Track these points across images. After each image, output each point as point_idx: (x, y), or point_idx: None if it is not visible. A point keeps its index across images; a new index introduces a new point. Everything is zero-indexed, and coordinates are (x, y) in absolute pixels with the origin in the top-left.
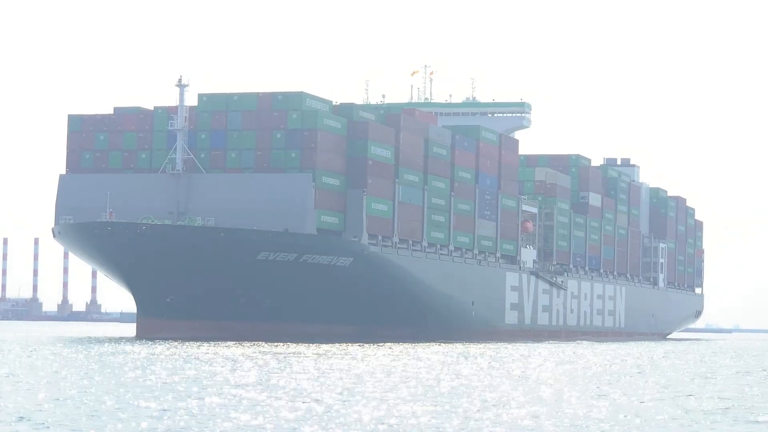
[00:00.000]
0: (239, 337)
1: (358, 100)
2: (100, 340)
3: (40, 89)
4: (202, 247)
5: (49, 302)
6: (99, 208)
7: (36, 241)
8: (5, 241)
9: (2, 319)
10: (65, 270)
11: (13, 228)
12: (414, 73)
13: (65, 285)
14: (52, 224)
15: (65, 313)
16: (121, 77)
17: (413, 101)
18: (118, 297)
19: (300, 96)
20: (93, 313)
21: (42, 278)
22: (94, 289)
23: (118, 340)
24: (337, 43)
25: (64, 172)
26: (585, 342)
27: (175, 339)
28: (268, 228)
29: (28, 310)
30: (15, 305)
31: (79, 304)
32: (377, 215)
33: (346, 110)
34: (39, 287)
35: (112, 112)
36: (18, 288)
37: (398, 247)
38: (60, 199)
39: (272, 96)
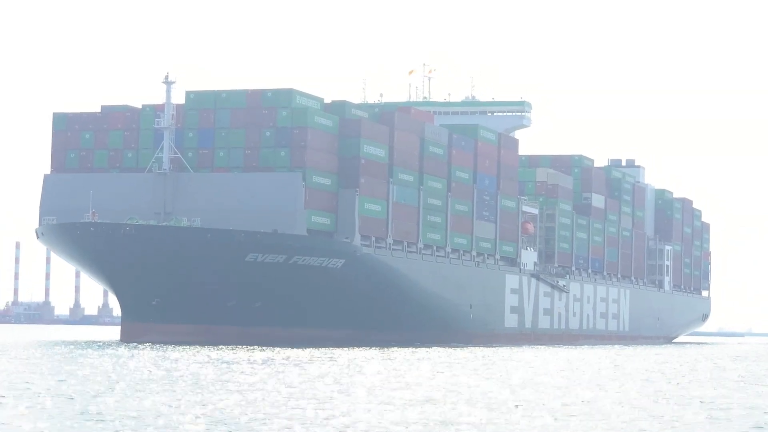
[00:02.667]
0: (228, 341)
1: (356, 100)
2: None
3: (29, 88)
4: (188, 249)
5: (62, 306)
6: (83, 208)
7: None
8: (17, 244)
9: (15, 322)
10: (77, 273)
11: (26, 231)
12: (411, 72)
13: (77, 289)
14: (36, 225)
15: (77, 317)
16: (110, 75)
17: (411, 100)
18: None
19: (290, 93)
20: (105, 316)
21: (54, 282)
22: (106, 293)
23: (96, 344)
24: (333, 42)
25: (49, 171)
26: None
27: (161, 343)
28: (257, 229)
29: (40, 314)
30: (27, 309)
31: (91, 307)
32: (370, 216)
33: (338, 108)
34: (51, 291)
35: (99, 111)
36: (30, 292)
37: (392, 249)
38: (44, 199)
39: (261, 93)
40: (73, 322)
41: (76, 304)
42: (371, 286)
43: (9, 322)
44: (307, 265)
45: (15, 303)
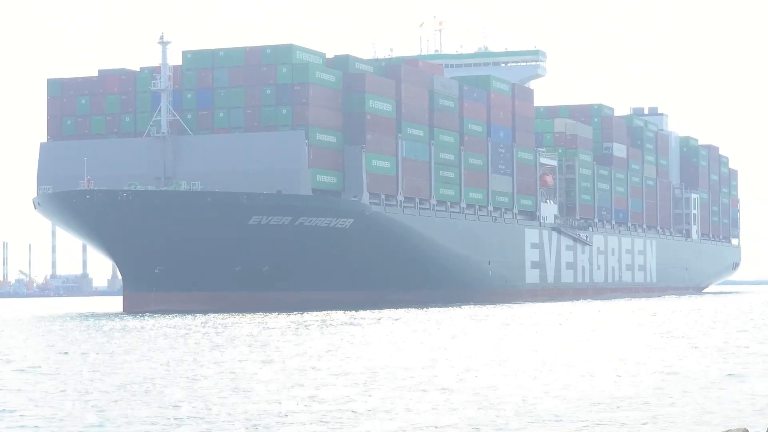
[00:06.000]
0: (236, 308)
1: (365, 55)
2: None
3: (22, 54)
4: (189, 213)
5: (100, 278)
6: (80, 176)
7: None
8: None
9: (54, 295)
10: None
11: None
12: (421, 24)
13: None
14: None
15: (116, 288)
16: (107, 38)
17: (422, 54)
18: None
19: (289, 48)
20: None
21: (91, 254)
22: None
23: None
24: None
25: (45, 140)
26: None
27: (165, 312)
28: (260, 190)
29: (78, 286)
30: (66, 282)
31: None
32: (379, 173)
33: (341, 63)
34: (88, 263)
35: (96, 75)
36: (68, 264)
37: (404, 206)
38: (41, 168)
39: (260, 50)
40: (112, 294)
41: (114, 275)
42: (383, 245)
43: (48, 295)
44: (313, 226)
45: (53, 276)
